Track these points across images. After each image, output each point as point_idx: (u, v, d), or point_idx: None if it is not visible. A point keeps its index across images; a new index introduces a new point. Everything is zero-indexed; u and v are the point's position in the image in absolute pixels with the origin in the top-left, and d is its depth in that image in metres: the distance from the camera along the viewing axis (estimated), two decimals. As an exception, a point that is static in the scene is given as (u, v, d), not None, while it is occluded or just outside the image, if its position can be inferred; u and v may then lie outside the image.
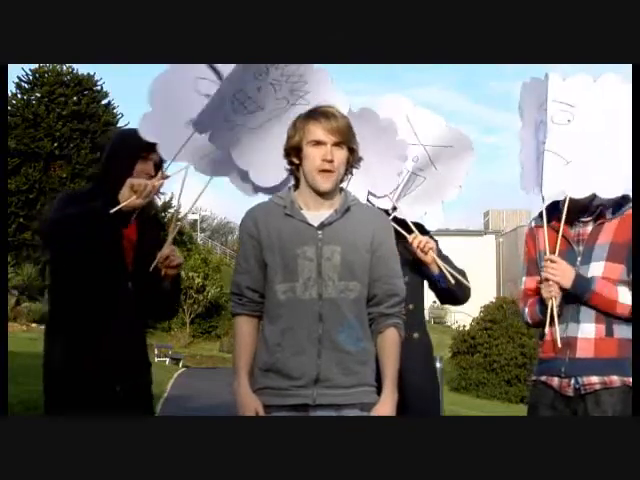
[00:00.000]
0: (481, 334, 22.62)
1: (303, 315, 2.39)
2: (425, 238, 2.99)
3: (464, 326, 23.75)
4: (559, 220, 2.89)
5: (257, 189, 2.81)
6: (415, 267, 3.03)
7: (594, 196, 2.89)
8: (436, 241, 3.13)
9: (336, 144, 2.42)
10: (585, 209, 2.89)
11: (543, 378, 2.93)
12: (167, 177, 2.72)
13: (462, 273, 3.08)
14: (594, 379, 2.80)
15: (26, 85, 24.76)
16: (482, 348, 22.35)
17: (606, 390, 2.78)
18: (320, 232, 2.44)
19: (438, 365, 2.97)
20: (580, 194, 2.84)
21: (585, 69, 2.84)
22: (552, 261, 2.82)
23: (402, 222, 3.03)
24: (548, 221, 2.94)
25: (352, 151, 2.48)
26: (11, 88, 24.08)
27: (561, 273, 2.81)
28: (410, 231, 3.03)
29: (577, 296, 2.83)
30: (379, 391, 2.47)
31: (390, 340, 2.46)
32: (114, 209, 2.56)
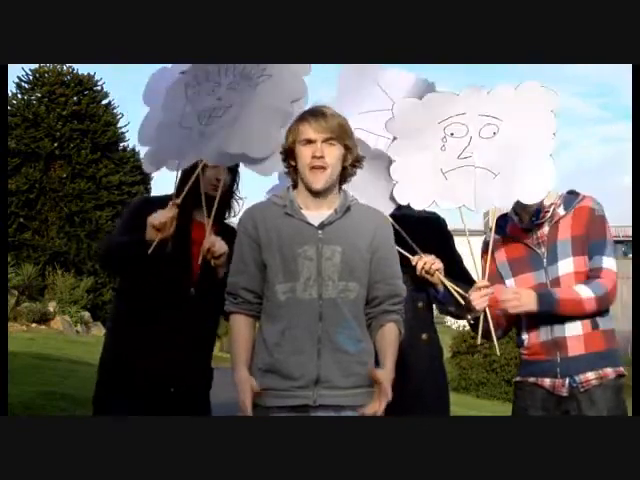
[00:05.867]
0: (481, 334, 22.55)
1: (303, 315, 2.38)
2: (431, 259, 2.85)
3: (464, 326, 23.72)
4: (514, 228, 2.96)
5: (263, 164, 2.82)
6: None
7: (544, 198, 2.91)
8: (451, 236, 3.04)
9: (326, 140, 2.42)
10: (537, 212, 2.92)
11: (532, 379, 2.93)
12: (178, 204, 2.78)
13: (471, 282, 2.96)
14: (590, 375, 2.82)
15: (26, 85, 24.74)
16: (482, 348, 22.32)
17: (600, 386, 2.81)
18: (320, 232, 2.43)
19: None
20: (505, 204, 2.91)
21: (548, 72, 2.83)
22: (516, 292, 2.83)
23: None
24: (503, 232, 3.01)
25: (348, 149, 2.46)
26: (11, 88, 24.07)
27: (525, 300, 2.82)
28: (412, 249, 2.86)
29: (547, 312, 2.83)
30: None
31: (390, 332, 2.46)
32: (150, 250, 2.70)
